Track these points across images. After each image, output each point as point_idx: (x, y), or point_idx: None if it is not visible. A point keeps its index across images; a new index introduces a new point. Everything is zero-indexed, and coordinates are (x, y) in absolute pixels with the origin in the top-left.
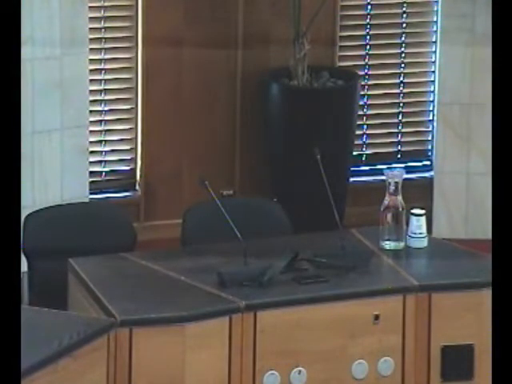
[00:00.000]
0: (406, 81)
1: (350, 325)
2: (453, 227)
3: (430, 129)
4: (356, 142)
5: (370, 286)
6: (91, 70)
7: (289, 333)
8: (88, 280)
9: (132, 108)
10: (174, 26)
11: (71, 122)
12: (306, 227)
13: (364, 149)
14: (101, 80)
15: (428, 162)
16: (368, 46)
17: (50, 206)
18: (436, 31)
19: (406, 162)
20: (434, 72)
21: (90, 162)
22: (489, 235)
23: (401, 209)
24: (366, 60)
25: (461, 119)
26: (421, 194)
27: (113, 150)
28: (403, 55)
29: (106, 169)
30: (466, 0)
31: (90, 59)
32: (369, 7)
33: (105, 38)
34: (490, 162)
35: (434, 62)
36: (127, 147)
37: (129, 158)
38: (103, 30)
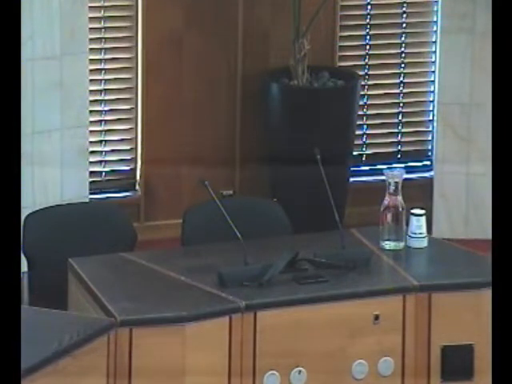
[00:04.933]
0: (405, 81)
1: (350, 325)
2: (453, 227)
3: (430, 129)
4: (356, 142)
5: (370, 286)
6: (91, 70)
7: (289, 333)
8: (88, 280)
9: (132, 108)
10: (174, 26)
11: (71, 122)
12: (306, 227)
13: (364, 149)
14: (101, 80)
15: (428, 162)
16: (368, 46)
17: (50, 206)
18: (436, 31)
19: (406, 162)
20: (434, 72)
21: (90, 162)
22: (489, 235)
23: (401, 209)
24: (366, 60)
25: (461, 119)
26: (421, 194)
27: (113, 150)
28: (403, 55)
29: (106, 169)
30: (466, 0)
31: (90, 59)
32: (369, 7)
33: (105, 38)
34: (490, 162)
35: (434, 62)
36: (127, 147)
37: (129, 158)
38: (103, 30)
